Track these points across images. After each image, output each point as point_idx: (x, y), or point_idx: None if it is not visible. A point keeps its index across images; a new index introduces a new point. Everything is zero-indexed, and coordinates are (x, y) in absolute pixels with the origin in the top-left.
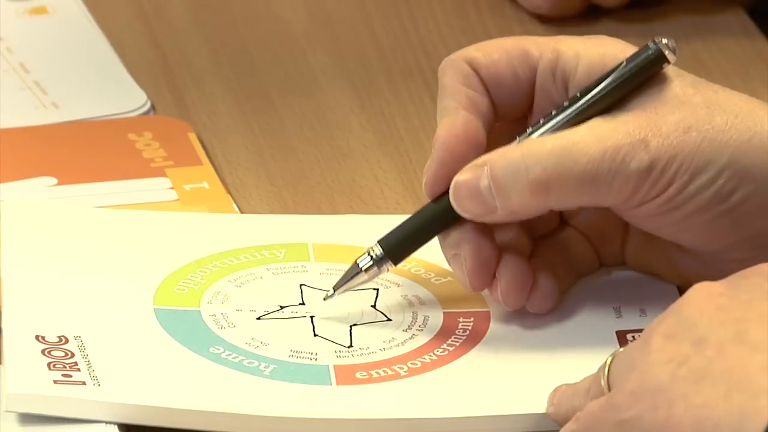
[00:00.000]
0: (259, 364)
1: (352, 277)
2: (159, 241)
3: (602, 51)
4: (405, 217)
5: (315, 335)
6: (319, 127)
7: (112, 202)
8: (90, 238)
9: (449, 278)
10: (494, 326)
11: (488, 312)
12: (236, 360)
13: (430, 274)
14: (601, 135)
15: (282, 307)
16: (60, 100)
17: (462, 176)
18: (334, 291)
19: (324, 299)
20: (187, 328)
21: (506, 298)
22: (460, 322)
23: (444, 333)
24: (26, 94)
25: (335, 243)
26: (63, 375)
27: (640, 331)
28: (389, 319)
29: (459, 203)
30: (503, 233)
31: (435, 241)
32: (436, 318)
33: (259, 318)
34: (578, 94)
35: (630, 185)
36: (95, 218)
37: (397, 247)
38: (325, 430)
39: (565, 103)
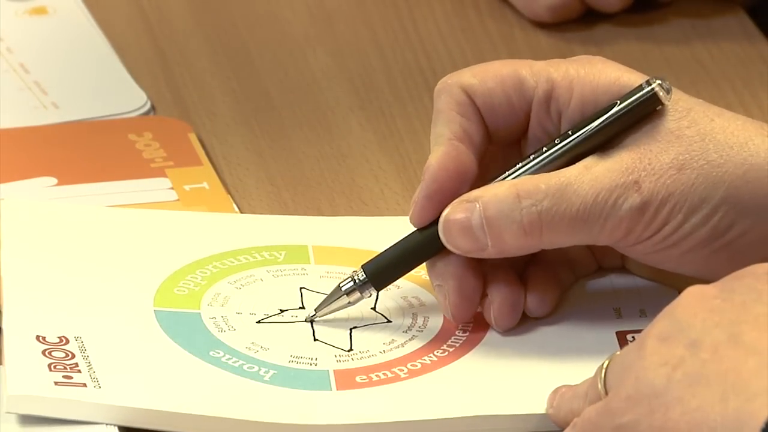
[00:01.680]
0: (259, 369)
1: (334, 300)
2: (159, 241)
3: (596, 81)
4: (405, 218)
5: (315, 339)
6: (319, 127)
7: (112, 202)
8: (90, 238)
9: None
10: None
11: None
12: (236, 364)
13: None
14: (593, 176)
15: (282, 311)
16: (60, 100)
17: (454, 214)
18: (316, 312)
19: (305, 320)
20: (188, 330)
21: (498, 321)
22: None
23: (444, 334)
24: (26, 94)
25: (335, 245)
26: (64, 376)
27: (639, 331)
28: (389, 321)
29: (449, 239)
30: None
31: None
32: (436, 319)
33: (259, 321)
34: (570, 132)
35: (623, 226)
36: (95, 218)
37: (380, 274)
38: None
39: (557, 140)
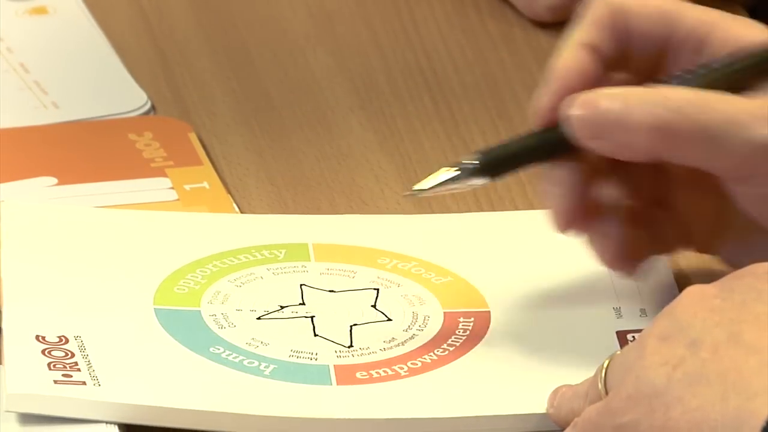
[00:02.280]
0: (260, 364)
1: (445, 182)
2: (159, 241)
3: (754, 39)
4: (405, 217)
5: (315, 335)
6: (319, 127)
7: (112, 202)
8: (90, 239)
9: (449, 278)
10: (494, 326)
11: (488, 312)
12: (236, 360)
13: (430, 274)
14: (734, 100)
15: (282, 307)
16: (60, 100)
17: (598, 100)
18: (421, 191)
19: (411, 192)
20: (188, 328)
21: (602, 256)
22: (460, 322)
23: (444, 333)
24: (26, 94)
25: (335, 243)
26: (63, 375)
27: (640, 331)
28: (389, 319)
29: (580, 115)
30: (604, 187)
31: (436, 244)
32: (437, 318)
33: (259, 318)
34: (715, 65)
35: (755, 155)
36: (95, 218)
37: (497, 162)
38: (325, 430)
39: (700, 69)
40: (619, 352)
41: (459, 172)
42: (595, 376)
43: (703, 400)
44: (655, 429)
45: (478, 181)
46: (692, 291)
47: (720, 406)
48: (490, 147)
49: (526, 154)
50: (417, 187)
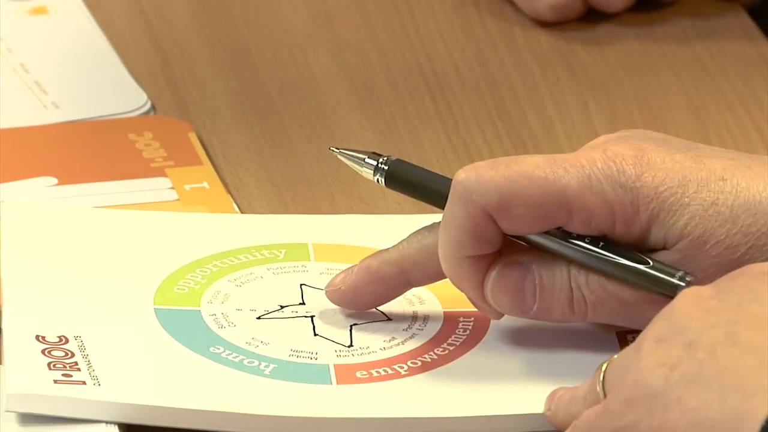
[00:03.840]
0: (260, 364)
1: (355, 159)
2: (159, 241)
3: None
4: (405, 217)
5: (315, 335)
6: (319, 127)
7: (112, 202)
8: (90, 239)
9: None
10: (494, 326)
11: None
12: (236, 359)
13: None
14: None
15: (282, 307)
16: (60, 100)
17: (505, 276)
18: (337, 149)
19: (329, 148)
20: (188, 327)
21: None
22: (460, 321)
23: (444, 332)
24: (26, 94)
25: (335, 243)
26: (63, 375)
27: (639, 332)
28: (389, 319)
29: (494, 297)
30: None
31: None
32: (437, 317)
33: (259, 317)
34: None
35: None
36: (95, 219)
37: (400, 177)
38: (325, 429)
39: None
40: (616, 356)
41: (371, 163)
42: (593, 378)
43: (701, 400)
44: (653, 430)
45: (374, 177)
46: (688, 293)
47: (718, 405)
48: (404, 165)
49: (423, 192)
50: (336, 147)
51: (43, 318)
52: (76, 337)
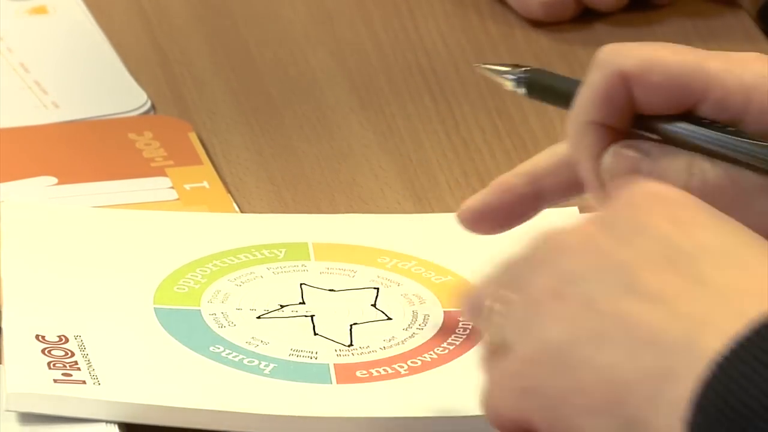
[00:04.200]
0: (260, 363)
1: (497, 71)
2: (159, 240)
3: None
4: (405, 216)
5: (315, 334)
6: (319, 127)
7: (112, 202)
8: (90, 238)
9: (449, 277)
10: None
11: None
12: (236, 359)
13: (430, 273)
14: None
15: (282, 306)
16: (60, 100)
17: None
18: (483, 66)
19: (474, 65)
20: (188, 327)
21: None
22: (460, 320)
23: (444, 332)
24: (26, 94)
25: (335, 242)
26: (63, 374)
27: None
28: (389, 318)
29: (609, 173)
30: None
31: (436, 243)
32: (437, 317)
33: (259, 317)
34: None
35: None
36: (95, 218)
37: (541, 85)
38: (325, 428)
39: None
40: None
41: (513, 76)
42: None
43: (612, 357)
44: (564, 391)
45: (517, 89)
46: (573, 232)
47: (630, 363)
48: (544, 74)
49: (565, 98)
50: (482, 64)
51: (42, 317)
52: (76, 337)
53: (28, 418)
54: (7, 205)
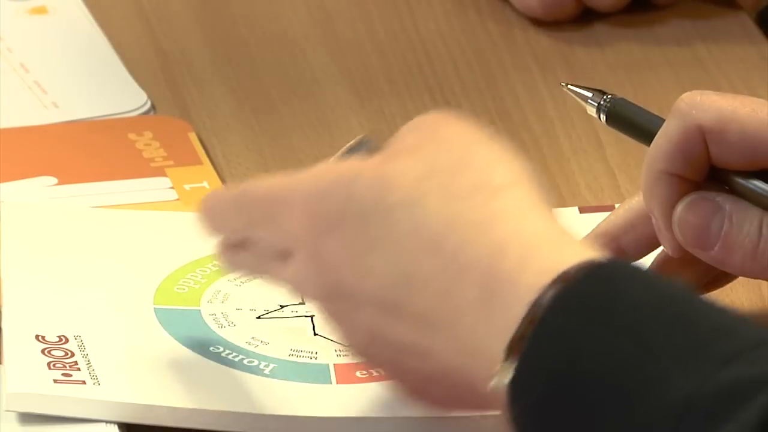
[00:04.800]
0: (259, 363)
1: (583, 95)
2: (159, 241)
3: None
4: None
5: (315, 334)
6: (319, 127)
7: (112, 202)
8: (90, 238)
9: None
10: None
11: None
12: (236, 359)
13: None
14: None
15: (282, 307)
16: (60, 100)
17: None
18: (567, 86)
19: (560, 84)
20: (187, 327)
21: None
22: None
23: None
24: (26, 94)
25: None
26: (63, 374)
27: None
28: None
29: (680, 226)
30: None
31: None
32: None
33: (259, 317)
34: None
35: None
36: (95, 218)
37: (621, 116)
38: (325, 429)
39: None
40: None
41: (595, 103)
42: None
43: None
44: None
45: (597, 114)
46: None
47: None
48: (627, 105)
49: (643, 132)
50: (567, 84)
51: (42, 317)
52: (75, 337)
53: (28, 418)
54: (7, 205)
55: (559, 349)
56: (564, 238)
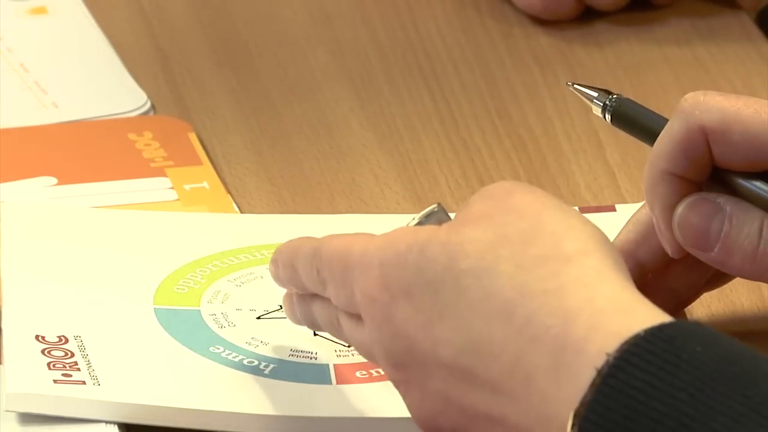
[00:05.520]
0: (259, 363)
1: (589, 95)
2: (159, 241)
3: None
4: (405, 216)
5: (315, 335)
6: (319, 127)
7: (112, 202)
8: (90, 239)
9: None
10: None
11: None
12: (236, 359)
13: None
14: None
15: (282, 307)
16: (60, 100)
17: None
18: (572, 85)
19: (567, 83)
20: (187, 327)
21: None
22: None
23: None
24: (26, 94)
25: None
26: (63, 375)
27: None
28: None
29: (681, 226)
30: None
31: None
32: None
33: (259, 317)
34: None
35: None
36: (95, 219)
37: (626, 116)
38: (325, 428)
39: None
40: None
41: (600, 102)
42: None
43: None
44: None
45: (602, 114)
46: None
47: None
48: (632, 105)
49: (647, 133)
50: (573, 83)
51: (42, 318)
52: (75, 337)
53: (28, 418)
54: (7, 205)
55: (619, 410)
56: (634, 304)
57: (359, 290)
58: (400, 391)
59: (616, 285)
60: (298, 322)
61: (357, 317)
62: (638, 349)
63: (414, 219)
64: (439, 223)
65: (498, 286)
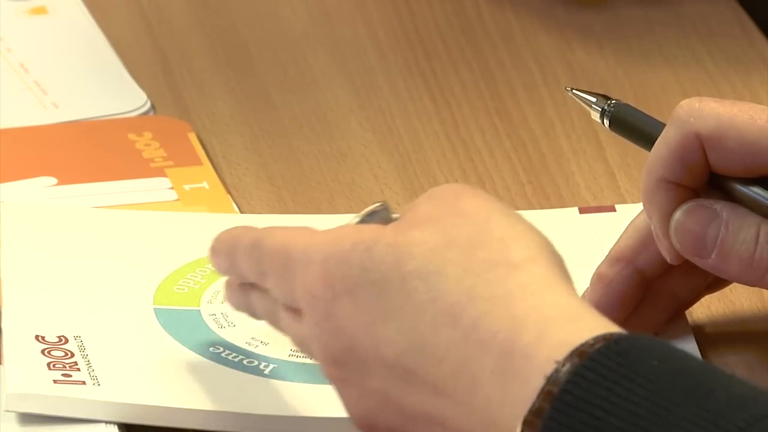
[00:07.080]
0: (259, 364)
1: (585, 100)
2: (159, 241)
3: None
4: None
5: None
6: (319, 127)
7: (112, 202)
8: (90, 239)
9: None
10: None
11: None
12: (236, 359)
13: None
14: None
15: None
16: (60, 100)
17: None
18: (572, 90)
19: (566, 88)
20: (187, 327)
21: None
22: None
23: None
24: (26, 94)
25: None
26: (63, 375)
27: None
28: None
29: (677, 233)
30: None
31: None
32: None
33: None
34: None
35: None
36: (95, 219)
37: (625, 121)
38: (325, 428)
39: None
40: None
41: (599, 108)
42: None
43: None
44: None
45: (601, 119)
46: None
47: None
48: (630, 110)
49: (645, 138)
50: (572, 88)
51: (42, 318)
52: (75, 337)
53: (27, 418)
54: (7, 205)
55: (579, 422)
56: (581, 312)
57: (300, 286)
58: (336, 388)
59: (563, 293)
60: (238, 309)
61: (296, 311)
62: (593, 364)
63: (357, 217)
64: (383, 222)
65: (445, 289)
